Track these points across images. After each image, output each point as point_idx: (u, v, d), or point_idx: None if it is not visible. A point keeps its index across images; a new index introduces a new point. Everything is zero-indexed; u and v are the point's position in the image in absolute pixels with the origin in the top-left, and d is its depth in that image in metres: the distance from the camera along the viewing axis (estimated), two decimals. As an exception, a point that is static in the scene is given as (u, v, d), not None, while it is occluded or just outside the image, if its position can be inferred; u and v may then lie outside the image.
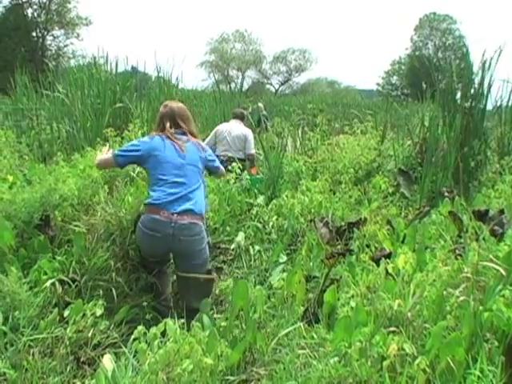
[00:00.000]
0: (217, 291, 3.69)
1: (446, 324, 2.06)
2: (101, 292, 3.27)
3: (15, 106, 7.82)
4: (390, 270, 2.62)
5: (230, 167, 5.08)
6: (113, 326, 3.03)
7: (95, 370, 2.51)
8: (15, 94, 8.04)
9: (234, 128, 6.68)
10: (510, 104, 5.84)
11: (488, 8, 78.09)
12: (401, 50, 63.89)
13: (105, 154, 3.76)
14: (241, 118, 7.00)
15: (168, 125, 3.63)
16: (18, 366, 2.59)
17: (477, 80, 5.61)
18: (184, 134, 3.65)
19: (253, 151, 6.62)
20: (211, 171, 4.04)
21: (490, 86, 5.58)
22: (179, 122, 3.67)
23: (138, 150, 3.52)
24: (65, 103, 6.76)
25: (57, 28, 34.44)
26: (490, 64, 5.46)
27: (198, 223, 3.39)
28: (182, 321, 2.38)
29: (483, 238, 2.91)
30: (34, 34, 33.36)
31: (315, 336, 2.44)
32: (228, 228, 4.48)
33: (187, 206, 3.35)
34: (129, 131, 5.15)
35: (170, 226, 3.27)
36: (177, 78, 8.16)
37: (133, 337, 2.29)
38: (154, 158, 3.47)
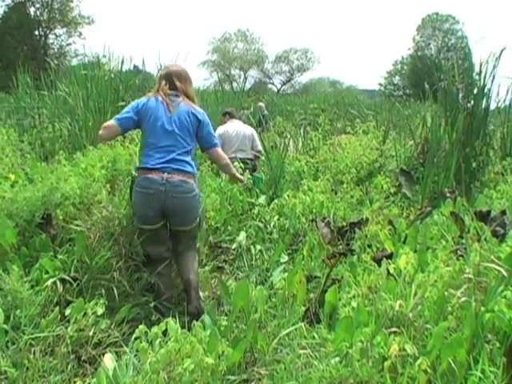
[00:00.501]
0: (218, 292, 3.69)
1: (448, 325, 2.06)
2: (102, 291, 3.27)
3: (17, 104, 7.83)
4: (392, 271, 2.63)
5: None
6: (114, 325, 3.03)
7: (96, 369, 2.51)
8: (17, 92, 8.06)
9: (240, 128, 6.64)
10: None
11: (490, 8, 77.99)
12: (403, 50, 63.72)
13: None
14: (238, 117, 7.01)
15: (163, 83, 3.60)
16: (18, 364, 2.59)
17: (479, 80, 5.60)
18: (177, 96, 3.59)
19: (260, 148, 6.60)
20: (203, 147, 3.75)
21: (491, 86, 5.58)
22: (175, 80, 3.61)
23: (135, 109, 3.51)
24: (67, 102, 6.77)
25: (59, 27, 34.41)
26: (493, 64, 5.46)
27: (189, 181, 3.41)
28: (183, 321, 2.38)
29: (485, 239, 2.91)
30: (36, 32, 33.35)
31: (316, 336, 2.44)
32: (229, 227, 4.48)
33: (176, 166, 3.38)
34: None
35: (161, 183, 3.31)
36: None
37: (134, 336, 2.29)
38: (148, 118, 3.47)
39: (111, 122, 3.56)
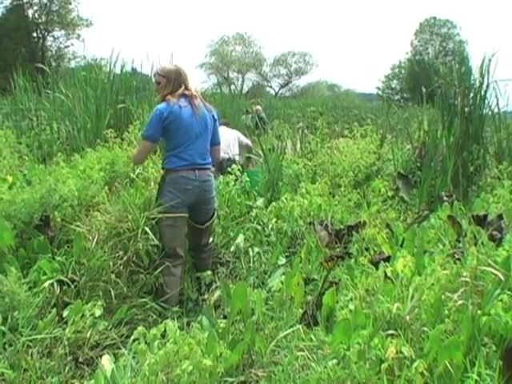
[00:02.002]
0: (216, 294, 3.70)
1: (445, 328, 2.07)
2: (100, 293, 3.28)
3: (15, 106, 7.82)
4: (389, 274, 2.63)
5: (229, 169, 5.09)
6: (111, 326, 3.04)
7: (94, 371, 2.52)
8: (15, 94, 8.05)
9: (224, 134, 6.71)
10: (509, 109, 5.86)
11: (489, 13, 78.23)
12: (401, 55, 63.70)
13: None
14: (223, 123, 7.21)
15: (183, 87, 3.79)
16: (16, 366, 2.60)
17: (476, 85, 5.62)
18: (196, 96, 3.85)
19: (247, 141, 6.84)
20: (211, 142, 3.99)
21: (486, 91, 5.60)
22: (188, 81, 3.84)
23: (161, 119, 3.69)
24: (65, 104, 6.76)
25: (57, 29, 34.37)
26: (489, 68, 5.48)
27: (211, 174, 3.95)
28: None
29: (482, 243, 2.92)
30: (34, 34, 33.30)
31: (314, 338, 2.44)
32: (227, 230, 4.48)
33: (202, 166, 3.81)
34: (129, 132, 5.15)
35: (196, 180, 3.75)
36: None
37: (132, 337, 2.29)
38: (176, 124, 3.70)
39: (141, 146, 3.87)
